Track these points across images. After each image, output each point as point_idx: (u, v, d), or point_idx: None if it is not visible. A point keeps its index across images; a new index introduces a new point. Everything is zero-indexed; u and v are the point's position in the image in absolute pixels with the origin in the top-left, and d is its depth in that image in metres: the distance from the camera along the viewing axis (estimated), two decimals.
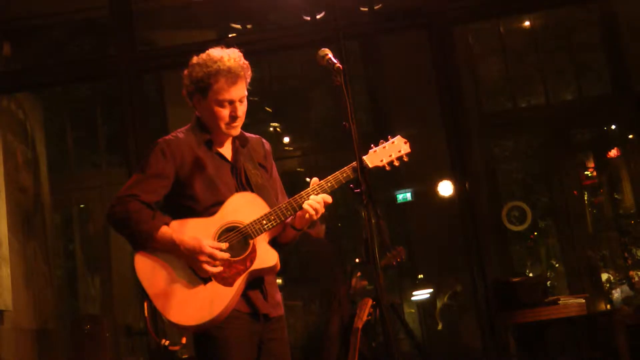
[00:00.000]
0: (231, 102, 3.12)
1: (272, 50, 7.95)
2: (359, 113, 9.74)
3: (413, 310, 10.14)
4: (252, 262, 3.02)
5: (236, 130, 3.19)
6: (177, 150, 3.10)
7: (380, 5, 7.47)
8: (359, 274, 7.16)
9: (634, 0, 8.20)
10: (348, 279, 7.06)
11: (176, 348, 2.96)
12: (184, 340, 2.98)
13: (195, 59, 3.18)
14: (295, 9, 7.46)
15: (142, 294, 2.99)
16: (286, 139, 10.40)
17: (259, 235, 3.05)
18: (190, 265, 2.99)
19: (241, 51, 3.27)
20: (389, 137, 3.31)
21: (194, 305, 2.95)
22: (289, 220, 3.16)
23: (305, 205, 3.07)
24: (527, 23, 9.44)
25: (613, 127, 9.90)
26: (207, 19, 8.11)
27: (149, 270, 3.00)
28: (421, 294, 9.36)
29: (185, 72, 3.19)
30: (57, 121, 10.18)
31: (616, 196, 10.12)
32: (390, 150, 3.27)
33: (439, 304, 9.47)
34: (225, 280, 2.98)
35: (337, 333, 6.65)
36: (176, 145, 3.11)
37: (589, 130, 10.16)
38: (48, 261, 8.64)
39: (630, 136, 9.43)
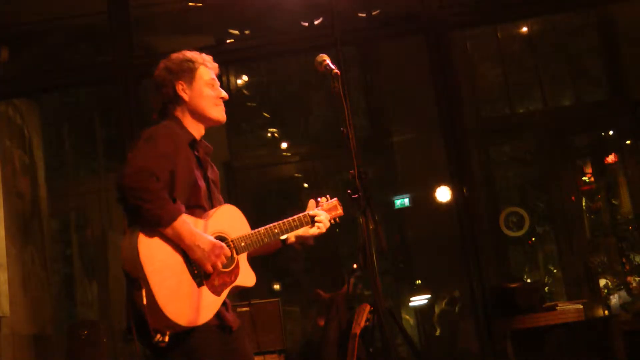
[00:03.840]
0: (215, 84, 3.18)
1: (270, 55, 7.97)
2: (356, 118, 9.75)
3: (409, 317, 10.13)
4: (235, 278, 3.02)
5: (224, 115, 3.21)
6: (177, 138, 3.02)
7: (378, 10, 7.48)
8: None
9: (632, 7, 8.22)
10: (346, 284, 7.05)
11: (162, 345, 2.86)
12: (167, 339, 2.87)
13: (165, 60, 3.19)
14: (293, 15, 7.46)
15: (135, 279, 2.79)
16: (284, 145, 10.39)
17: (243, 252, 3.07)
18: (193, 260, 2.87)
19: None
20: (328, 197, 3.48)
21: (189, 305, 2.84)
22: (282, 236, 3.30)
23: (320, 225, 3.32)
24: (524, 29, 9.46)
25: (611, 132, 9.91)
26: (205, 24, 8.12)
27: (154, 258, 2.80)
28: (419, 300, 9.36)
29: (157, 72, 3.17)
30: (54, 127, 10.16)
31: (614, 202, 10.12)
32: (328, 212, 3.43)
33: (437, 310, 9.46)
34: (215, 288, 2.93)
35: (335, 339, 6.64)
36: (176, 133, 3.04)
37: (586, 135, 10.16)
38: (45, 266, 8.62)
39: (628, 142, 9.44)
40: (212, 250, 2.87)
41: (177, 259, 2.86)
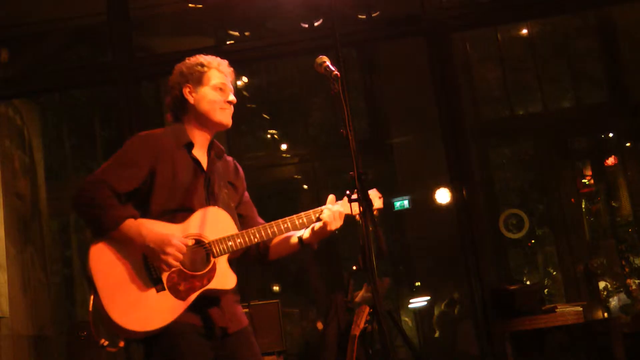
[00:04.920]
0: (225, 88, 3.15)
1: (270, 57, 7.97)
2: (356, 120, 9.75)
3: (408, 319, 10.14)
4: (209, 281, 2.90)
5: (230, 119, 3.17)
6: (156, 145, 3.02)
7: (378, 12, 7.48)
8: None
9: (632, 9, 8.23)
10: (345, 286, 7.05)
11: (113, 350, 2.84)
12: (121, 344, 2.84)
13: (180, 63, 3.20)
14: (293, 17, 7.46)
15: (90, 287, 2.82)
16: (284, 146, 10.39)
17: (221, 255, 2.95)
18: (149, 263, 2.86)
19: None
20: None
21: (141, 310, 2.81)
22: (298, 234, 3.18)
23: (324, 217, 3.11)
24: (524, 31, 9.46)
25: (610, 134, 9.91)
26: (205, 26, 8.11)
27: (103, 263, 2.83)
28: (418, 302, 9.36)
29: (172, 76, 3.18)
30: (54, 127, 10.18)
31: (613, 204, 10.12)
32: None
33: (436, 312, 9.47)
34: (179, 293, 2.85)
35: (334, 340, 6.64)
36: (157, 140, 3.04)
37: (586, 138, 10.17)
38: (45, 268, 8.62)
39: (628, 144, 9.45)
40: (160, 248, 2.83)
41: (131, 264, 2.86)
